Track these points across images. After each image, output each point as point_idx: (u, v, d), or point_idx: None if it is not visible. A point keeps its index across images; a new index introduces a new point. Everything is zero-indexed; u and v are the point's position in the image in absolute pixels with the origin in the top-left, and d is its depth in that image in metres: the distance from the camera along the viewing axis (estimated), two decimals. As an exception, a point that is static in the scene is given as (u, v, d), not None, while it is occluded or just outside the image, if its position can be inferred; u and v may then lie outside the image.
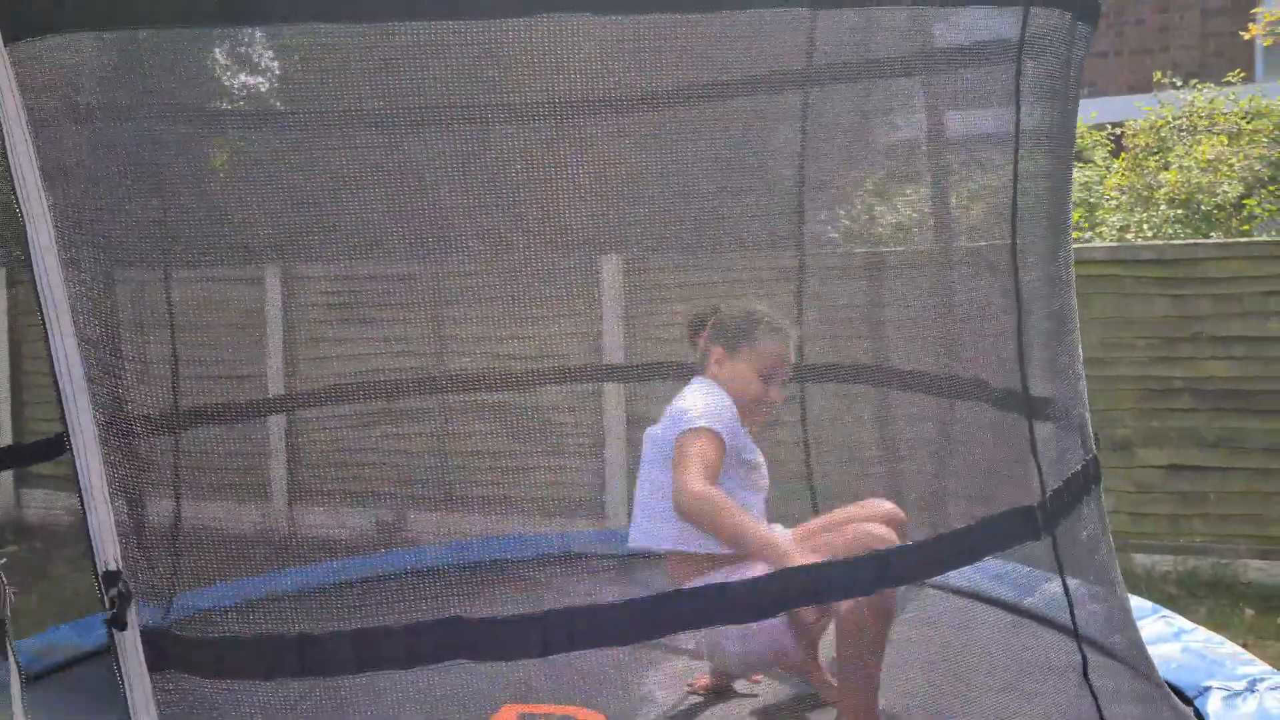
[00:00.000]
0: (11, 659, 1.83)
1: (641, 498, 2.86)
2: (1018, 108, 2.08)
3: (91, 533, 1.67)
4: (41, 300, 1.63)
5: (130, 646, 1.67)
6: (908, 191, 3.78)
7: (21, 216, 1.59)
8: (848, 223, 4.15)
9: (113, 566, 1.66)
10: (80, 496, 1.67)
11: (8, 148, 1.58)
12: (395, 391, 4.37)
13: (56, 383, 1.64)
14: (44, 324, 1.63)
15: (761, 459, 2.87)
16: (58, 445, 3.81)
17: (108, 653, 3.56)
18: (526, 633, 1.75)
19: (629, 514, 2.87)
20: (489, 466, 5.18)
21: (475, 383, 4.30)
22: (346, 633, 1.72)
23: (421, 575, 3.59)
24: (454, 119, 3.39)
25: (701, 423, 2.64)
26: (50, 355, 1.63)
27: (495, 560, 4.06)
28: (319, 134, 3.58)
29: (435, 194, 3.45)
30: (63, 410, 1.65)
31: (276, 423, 6.09)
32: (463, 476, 5.64)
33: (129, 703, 1.68)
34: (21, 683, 1.80)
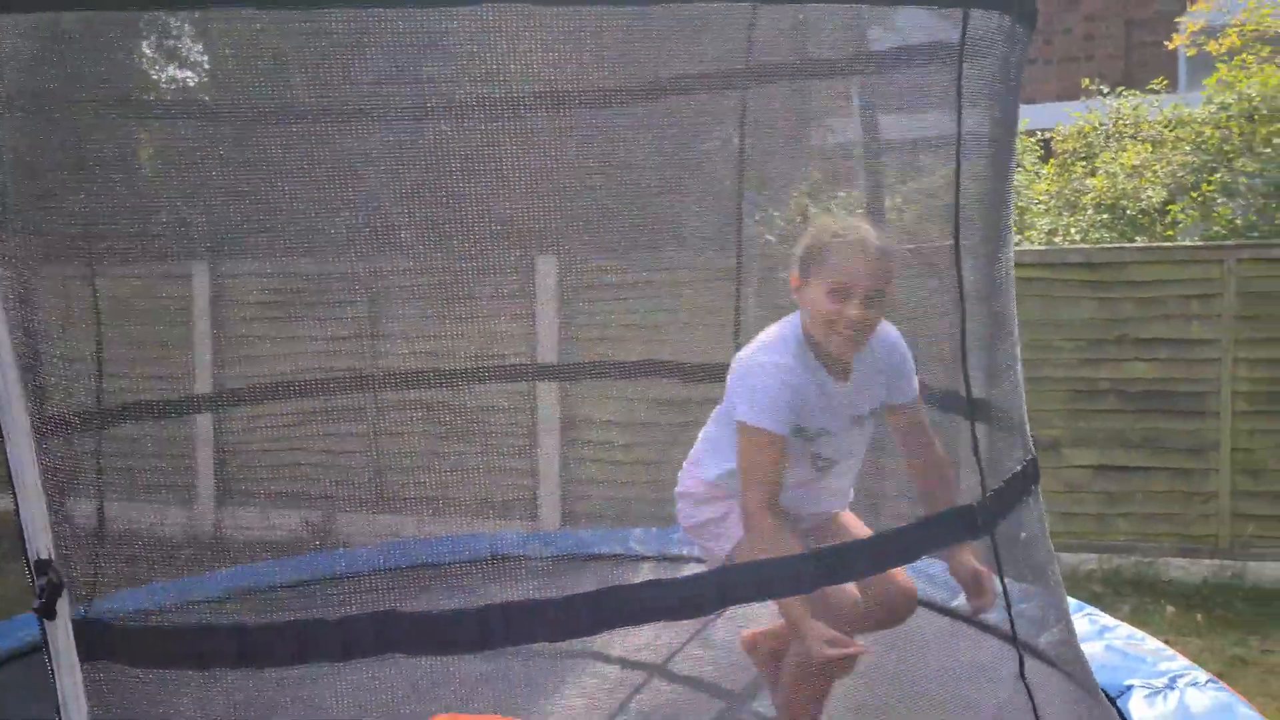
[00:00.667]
0: None
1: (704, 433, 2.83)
2: (959, 109, 2.09)
3: (24, 524, 1.63)
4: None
5: (61, 636, 1.63)
6: (847, 193, 3.80)
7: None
8: (782, 224, 4.17)
9: (44, 555, 1.63)
10: (13, 487, 1.63)
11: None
12: (327, 390, 4.29)
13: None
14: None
15: (842, 426, 2.64)
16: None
17: (28, 655, 3.47)
18: (463, 627, 1.72)
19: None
20: (422, 466, 5.13)
21: (409, 380, 4.23)
22: (281, 624, 1.69)
23: (355, 577, 3.54)
24: (389, 113, 3.35)
25: (759, 421, 2.47)
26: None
27: (428, 563, 4.01)
28: (249, 126, 3.51)
29: (369, 189, 3.41)
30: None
31: (205, 422, 5.99)
32: (395, 477, 5.59)
33: (59, 693, 1.64)
34: None
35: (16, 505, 1.67)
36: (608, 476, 6.39)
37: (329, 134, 3.39)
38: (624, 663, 3.31)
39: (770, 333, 2.64)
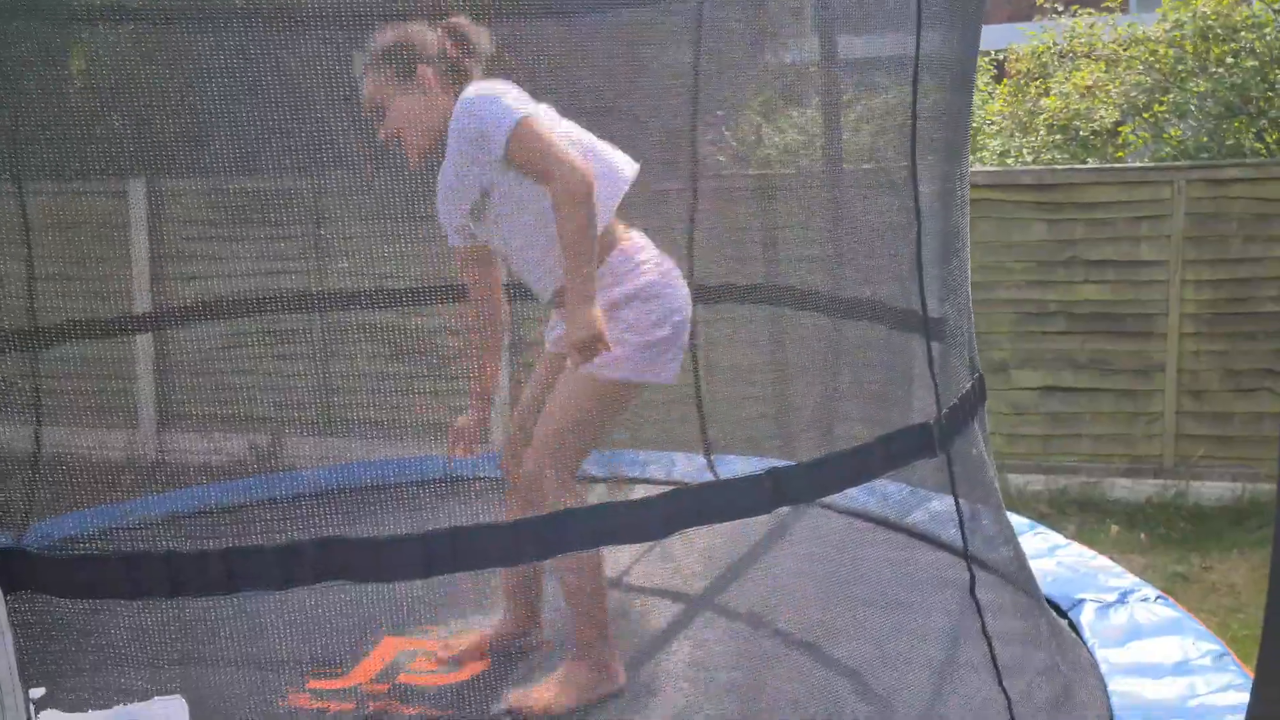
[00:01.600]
0: None
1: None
2: (919, 25, 2.03)
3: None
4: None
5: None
6: (800, 111, 3.74)
7: None
8: (735, 144, 4.10)
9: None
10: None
11: None
12: (266, 308, 4.19)
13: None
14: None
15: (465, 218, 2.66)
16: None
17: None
18: (409, 552, 1.67)
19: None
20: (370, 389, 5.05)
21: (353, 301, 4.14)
22: (218, 551, 1.63)
23: (299, 500, 3.48)
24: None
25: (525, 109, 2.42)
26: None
27: (375, 485, 3.95)
28: (179, 32, 3.38)
29: (311, 101, 3.29)
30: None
31: (144, 343, 5.86)
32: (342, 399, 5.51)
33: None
34: None
35: None
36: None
37: (265, 37, 3.27)
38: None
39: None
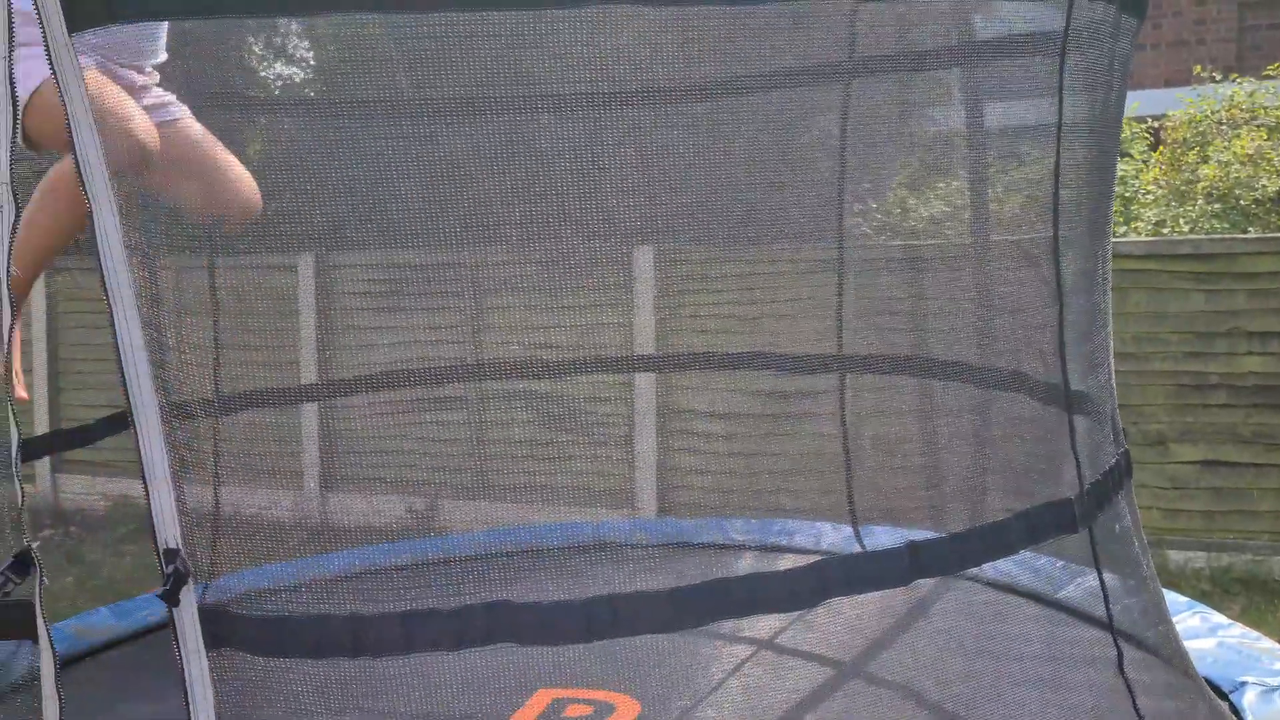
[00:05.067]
0: (44, 640, 1.86)
1: None
2: (1060, 100, 2.08)
3: (154, 513, 1.71)
4: (106, 283, 1.67)
5: (188, 624, 1.71)
6: (946, 183, 3.78)
7: (89, 202, 1.64)
8: (880, 216, 4.16)
9: (172, 545, 1.70)
10: (143, 476, 1.71)
11: (72, 134, 1.62)
12: (431, 379, 4.39)
13: (121, 365, 1.68)
14: (109, 306, 1.67)
15: None
16: (94, 431, 3.89)
17: (144, 635, 3.62)
18: (571, 617, 1.77)
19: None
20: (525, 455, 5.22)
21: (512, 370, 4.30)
22: (396, 614, 1.75)
23: (461, 561, 3.62)
24: (495, 109, 3.41)
25: None
26: (115, 339, 1.68)
27: (533, 548, 4.09)
28: (358, 123, 3.61)
29: (476, 185, 3.47)
30: (126, 392, 1.69)
31: (310, 410, 6.16)
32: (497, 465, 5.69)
33: (186, 680, 1.72)
34: (55, 665, 1.84)
35: (147, 494, 1.75)
36: (705, 467, 6.42)
37: (436, 129, 3.47)
38: (732, 638, 3.36)
39: None
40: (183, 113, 2.94)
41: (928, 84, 3.40)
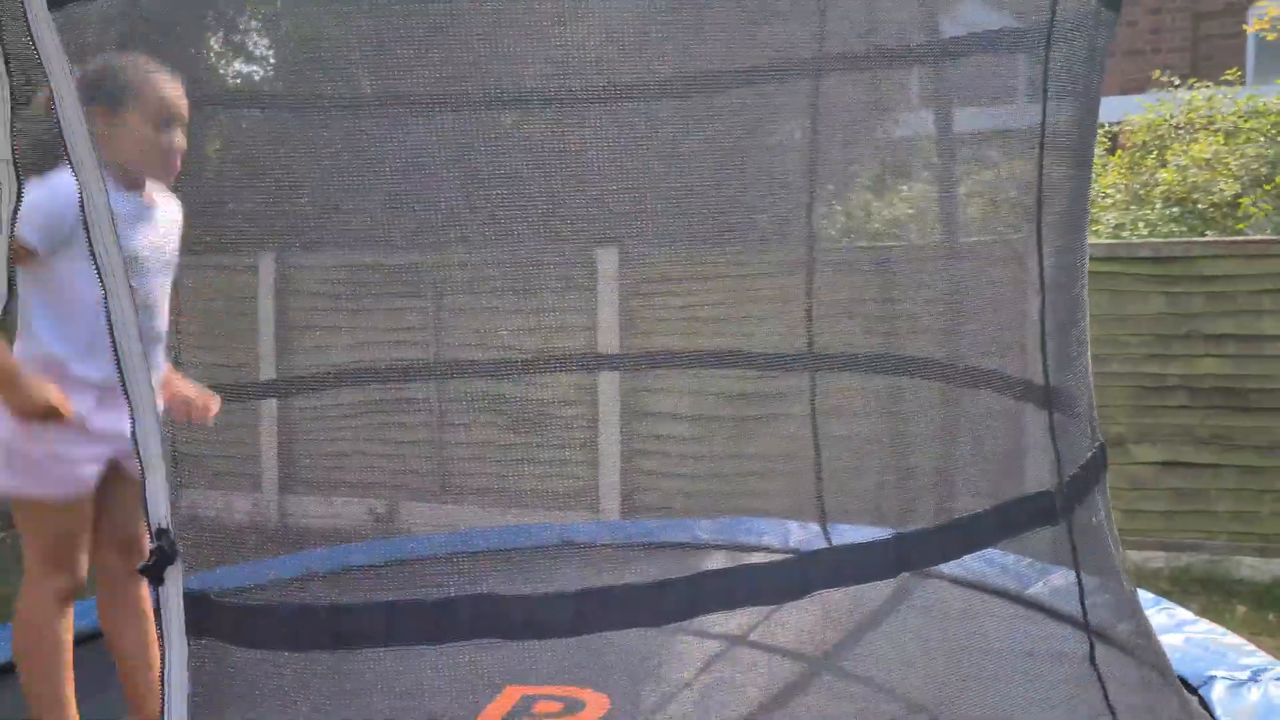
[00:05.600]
0: None
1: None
2: (1045, 95, 2.08)
3: (148, 492, 1.67)
4: (97, 258, 1.64)
5: (174, 605, 1.67)
6: (922, 182, 3.78)
7: (79, 183, 1.61)
8: (844, 218, 4.16)
9: (164, 525, 1.67)
10: (137, 454, 1.68)
11: (58, 112, 1.59)
12: (393, 378, 4.34)
13: (114, 339, 1.65)
14: (100, 280, 1.64)
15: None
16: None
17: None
18: (559, 611, 1.74)
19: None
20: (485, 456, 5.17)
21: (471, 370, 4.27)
22: (379, 605, 1.71)
23: (430, 561, 3.58)
24: (453, 104, 3.37)
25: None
26: (107, 312, 1.65)
27: (498, 549, 4.05)
28: (312, 121, 3.56)
29: (437, 181, 3.43)
30: (120, 369, 1.66)
31: (269, 409, 6.08)
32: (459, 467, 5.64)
33: (165, 663, 1.68)
34: None
35: (141, 473, 1.71)
36: (669, 469, 6.40)
37: (395, 124, 3.42)
38: (701, 634, 3.34)
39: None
40: None
41: (906, 81, 3.40)
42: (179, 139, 2.52)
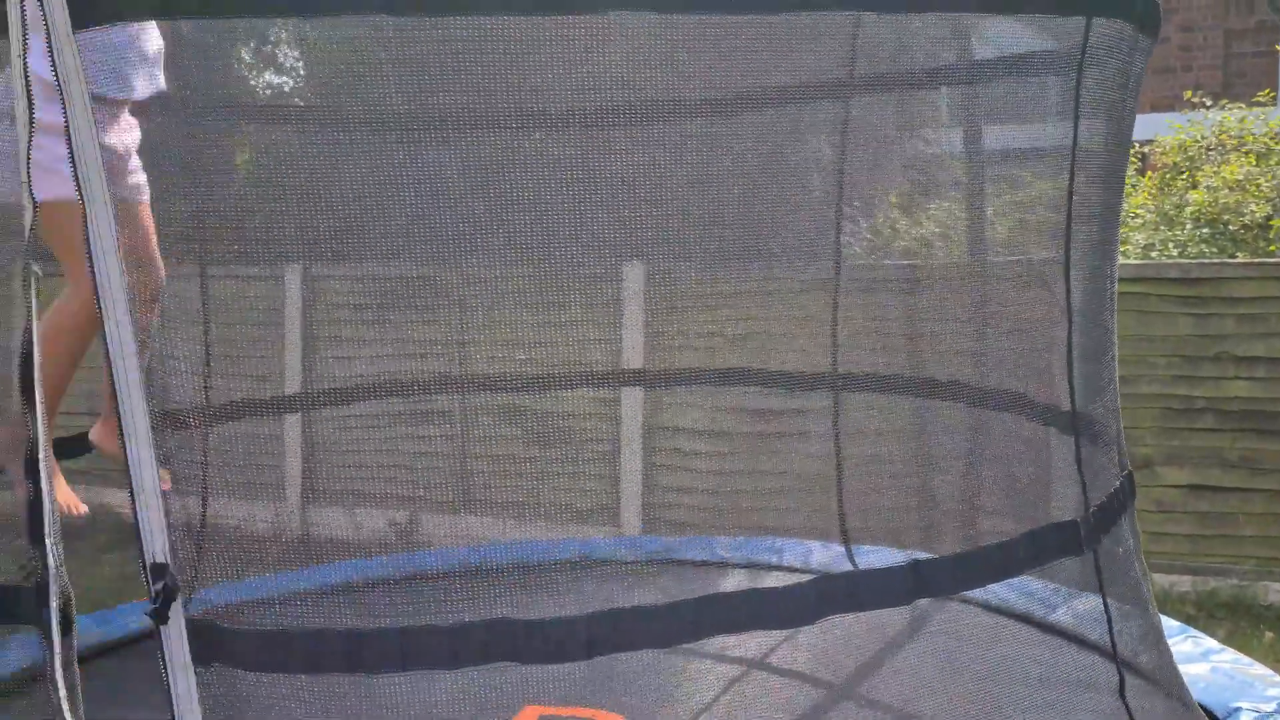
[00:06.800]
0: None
1: None
2: (1076, 119, 2.06)
3: (140, 526, 1.66)
4: (99, 287, 1.63)
5: (175, 639, 1.66)
6: (938, 204, 3.76)
7: (84, 207, 1.60)
8: (877, 235, 4.13)
9: (161, 559, 1.65)
10: (130, 489, 1.66)
11: (71, 135, 1.58)
12: (415, 391, 4.35)
13: (112, 376, 1.64)
14: (100, 310, 1.63)
15: None
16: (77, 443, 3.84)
17: (126, 644, 3.54)
18: (572, 633, 1.73)
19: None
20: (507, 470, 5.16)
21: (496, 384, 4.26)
22: (393, 630, 1.71)
23: (447, 576, 3.58)
24: (481, 124, 3.37)
25: None
26: (105, 349, 1.64)
27: (519, 564, 4.04)
28: (341, 135, 3.57)
29: (463, 200, 3.42)
30: (117, 403, 1.65)
31: (293, 422, 6.08)
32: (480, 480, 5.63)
33: (172, 696, 1.67)
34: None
35: (134, 506, 1.69)
36: (690, 485, 6.38)
37: (423, 142, 3.42)
38: (719, 658, 3.32)
39: None
40: (148, 196, 2.97)
41: (937, 101, 3.38)
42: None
